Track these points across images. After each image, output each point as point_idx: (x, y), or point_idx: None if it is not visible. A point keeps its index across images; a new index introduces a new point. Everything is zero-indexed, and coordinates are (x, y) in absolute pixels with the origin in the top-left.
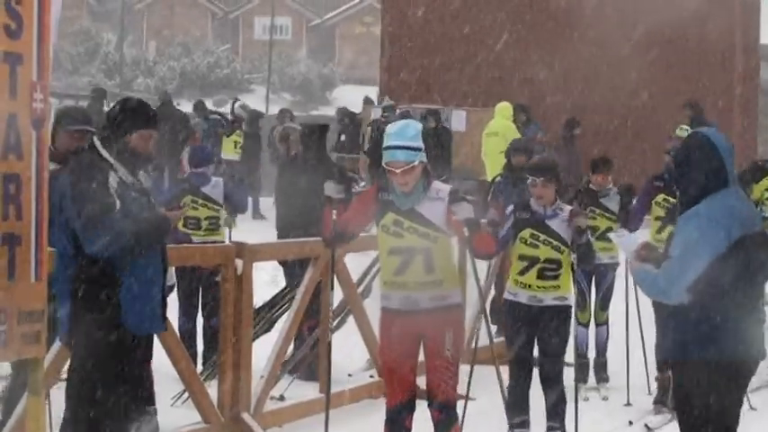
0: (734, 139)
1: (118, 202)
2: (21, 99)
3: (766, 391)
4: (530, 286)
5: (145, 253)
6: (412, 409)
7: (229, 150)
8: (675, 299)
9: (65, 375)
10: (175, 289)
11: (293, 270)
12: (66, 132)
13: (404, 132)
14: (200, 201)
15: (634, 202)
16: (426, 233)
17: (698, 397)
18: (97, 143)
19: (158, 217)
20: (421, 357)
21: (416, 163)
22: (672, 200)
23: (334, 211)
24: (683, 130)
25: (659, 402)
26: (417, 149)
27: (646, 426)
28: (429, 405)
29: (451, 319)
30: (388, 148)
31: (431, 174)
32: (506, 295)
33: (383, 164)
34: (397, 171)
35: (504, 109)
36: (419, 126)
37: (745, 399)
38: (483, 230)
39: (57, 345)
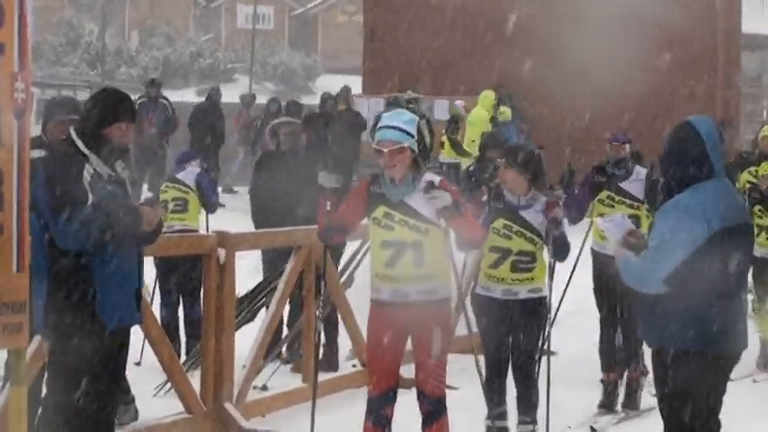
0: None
1: (91, 196)
2: (2, 89)
3: (748, 380)
4: (503, 279)
5: (117, 245)
6: (393, 399)
7: (447, 152)
8: (653, 289)
9: None
10: (156, 280)
11: (273, 263)
12: (55, 122)
13: (397, 116)
14: (171, 184)
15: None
16: (417, 226)
17: (683, 388)
18: (73, 135)
19: (129, 209)
20: (408, 347)
21: (405, 145)
22: (617, 197)
23: (328, 202)
24: (502, 114)
25: (604, 407)
26: (408, 134)
27: (591, 428)
28: (418, 398)
29: (440, 315)
30: (379, 128)
31: (422, 166)
32: (478, 290)
33: (373, 147)
34: (385, 150)
35: (483, 98)
36: (414, 117)
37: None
38: (465, 216)
39: (39, 336)
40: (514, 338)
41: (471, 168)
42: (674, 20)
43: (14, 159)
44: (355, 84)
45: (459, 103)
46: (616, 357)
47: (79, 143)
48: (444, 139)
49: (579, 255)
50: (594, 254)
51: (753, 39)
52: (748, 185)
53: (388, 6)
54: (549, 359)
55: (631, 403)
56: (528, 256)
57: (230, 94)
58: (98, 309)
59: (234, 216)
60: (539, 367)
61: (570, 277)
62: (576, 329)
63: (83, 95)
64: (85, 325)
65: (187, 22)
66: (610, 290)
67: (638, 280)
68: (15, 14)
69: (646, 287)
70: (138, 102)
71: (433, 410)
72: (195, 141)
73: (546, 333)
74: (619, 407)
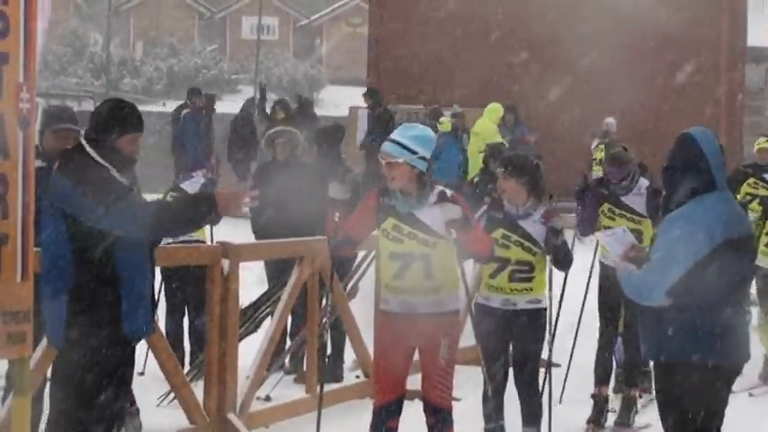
0: (720, 140)
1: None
2: (7, 99)
3: (747, 394)
4: (502, 289)
5: (176, 232)
6: (399, 410)
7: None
8: (655, 301)
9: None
10: (161, 289)
11: (276, 273)
12: (52, 132)
13: (405, 131)
14: (175, 194)
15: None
16: (426, 239)
17: (684, 399)
18: (85, 145)
19: (202, 195)
20: (414, 358)
21: (399, 160)
22: (617, 210)
23: (337, 214)
24: (441, 124)
25: (593, 422)
26: (409, 150)
27: None
28: (424, 410)
29: (448, 326)
30: (386, 139)
31: (428, 180)
32: (479, 299)
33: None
34: (383, 162)
35: (491, 111)
36: (427, 133)
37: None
38: (475, 230)
39: (43, 345)
40: (515, 349)
41: (476, 180)
42: (678, 34)
43: (19, 169)
44: (359, 95)
45: (611, 120)
46: (610, 372)
47: (93, 153)
48: (597, 155)
49: (592, 267)
50: (600, 266)
51: (757, 51)
52: (748, 198)
53: (393, 18)
54: (550, 372)
55: (625, 421)
56: (526, 266)
57: (235, 106)
58: (122, 319)
59: (238, 227)
60: (544, 380)
61: (586, 290)
62: (582, 341)
63: (87, 106)
64: (108, 335)
65: (191, 32)
66: (611, 303)
67: (640, 293)
68: (21, 24)
69: (648, 300)
70: (184, 112)
71: (440, 422)
72: (232, 152)
73: (550, 345)
74: (611, 423)
